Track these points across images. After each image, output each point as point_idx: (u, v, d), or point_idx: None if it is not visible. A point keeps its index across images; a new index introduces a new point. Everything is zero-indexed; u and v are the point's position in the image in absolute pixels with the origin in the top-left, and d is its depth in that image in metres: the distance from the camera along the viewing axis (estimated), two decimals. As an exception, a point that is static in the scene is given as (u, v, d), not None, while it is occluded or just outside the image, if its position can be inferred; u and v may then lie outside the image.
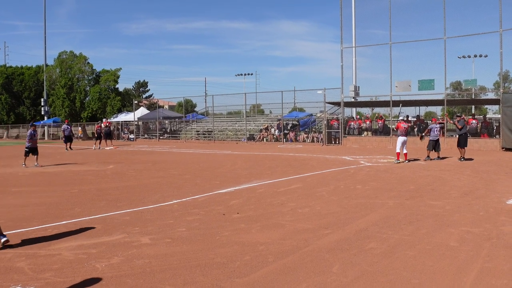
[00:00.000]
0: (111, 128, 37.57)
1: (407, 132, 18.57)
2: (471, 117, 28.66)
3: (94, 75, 57.04)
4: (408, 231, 6.84)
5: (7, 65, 64.78)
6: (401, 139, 17.86)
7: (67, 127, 30.84)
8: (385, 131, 31.32)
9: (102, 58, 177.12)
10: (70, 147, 29.05)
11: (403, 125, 18.19)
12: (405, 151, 17.89)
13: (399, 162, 17.63)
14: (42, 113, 54.00)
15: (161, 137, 44.11)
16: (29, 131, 18.76)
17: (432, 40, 27.98)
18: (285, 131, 36.30)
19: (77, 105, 55.30)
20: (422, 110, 45.00)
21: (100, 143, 31.46)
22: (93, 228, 7.22)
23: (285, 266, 5.25)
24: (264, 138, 36.82)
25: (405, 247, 5.97)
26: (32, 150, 18.12)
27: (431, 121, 23.99)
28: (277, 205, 9.10)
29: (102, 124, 34.36)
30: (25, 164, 17.78)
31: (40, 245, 6.25)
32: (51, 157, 22.64)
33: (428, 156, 18.76)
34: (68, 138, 29.73)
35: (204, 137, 41.92)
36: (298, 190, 11.06)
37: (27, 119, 59.51)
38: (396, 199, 9.65)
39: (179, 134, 45.54)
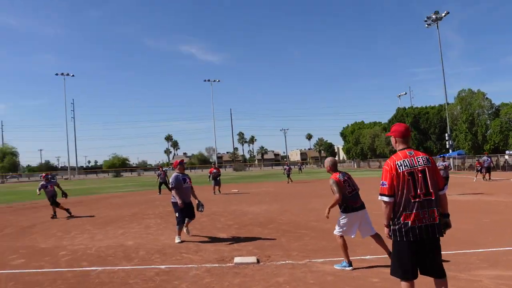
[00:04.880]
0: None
1: None
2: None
3: (493, 109, 53.15)
4: None
5: (414, 106, 68.16)
6: None
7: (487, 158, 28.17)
8: None
9: (499, 92, 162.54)
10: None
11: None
12: None
13: None
14: (447, 146, 54.00)
15: None
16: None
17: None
18: None
19: (479, 138, 52.56)
20: None
21: None
22: (510, 259, 6.59)
23: None
24: None
25: None
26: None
27: None
28: None
29: None
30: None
31: (461, 268, 6.16)
32: (463, 187, 21.78)
33: None
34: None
35: None
36: None
37: (433, 152, 60.80)
38: None
39: None
